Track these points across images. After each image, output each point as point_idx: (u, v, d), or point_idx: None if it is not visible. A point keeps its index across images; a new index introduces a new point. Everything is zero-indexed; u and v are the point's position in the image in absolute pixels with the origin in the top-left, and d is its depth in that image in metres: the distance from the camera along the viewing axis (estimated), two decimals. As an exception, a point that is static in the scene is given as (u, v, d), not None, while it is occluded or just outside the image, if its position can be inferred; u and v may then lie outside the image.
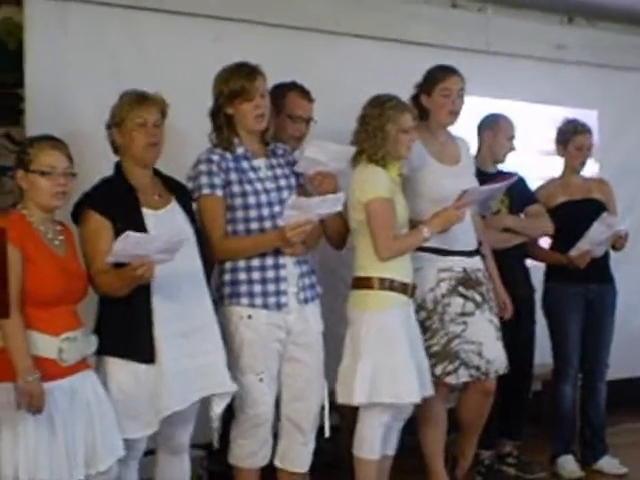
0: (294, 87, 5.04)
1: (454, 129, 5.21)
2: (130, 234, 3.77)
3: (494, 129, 5.70)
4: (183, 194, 4.35)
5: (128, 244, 3.76)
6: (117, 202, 4.09)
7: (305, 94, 5.07)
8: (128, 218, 4.04)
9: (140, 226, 4.04)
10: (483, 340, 4.92)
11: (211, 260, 4.41)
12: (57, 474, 3.75)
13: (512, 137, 5.74)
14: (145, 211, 4.13)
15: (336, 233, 4.81)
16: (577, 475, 5.82)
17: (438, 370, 4.88)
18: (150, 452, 4.36)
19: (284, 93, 4.94)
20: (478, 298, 4.98)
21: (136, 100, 4.18)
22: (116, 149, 4.26)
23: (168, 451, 4.33)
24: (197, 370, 4.14)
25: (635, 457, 6.11)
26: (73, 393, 3.85)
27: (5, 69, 5.26)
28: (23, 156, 3.91)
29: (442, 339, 4.89)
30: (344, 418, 5.45)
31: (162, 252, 3.87)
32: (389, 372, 4.56)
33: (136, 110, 4.16)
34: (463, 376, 4.92)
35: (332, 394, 4.72)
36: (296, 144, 4.93)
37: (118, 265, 3.88)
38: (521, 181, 5.82)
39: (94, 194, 4.14)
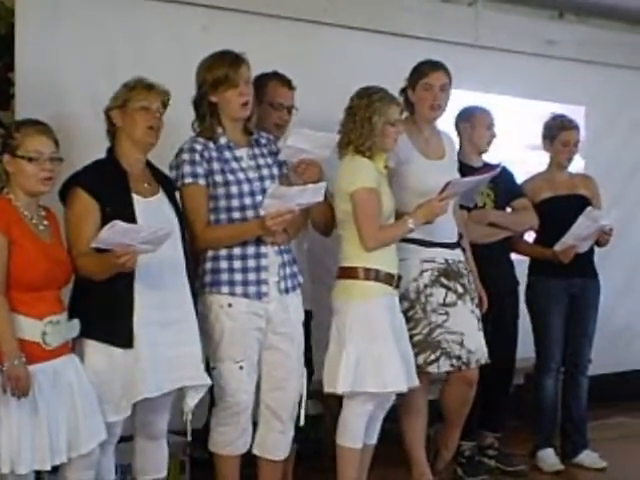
0: (275, 76, 5.03)
1: (441, 123, 5.25)
2: (117, 223, 3.78)
3: (471, 121, 5.69)
4: (170, 187, 4.36)
5: (115, 233, 3.77)
6: (107, 185, 4.10)
7: (286, 82, 5.05)
8: (118, 202, 4.06)
9: (129, 212, 4.06)
10: (465, 330, 4.97)
11: (193, 249, 4.44)
12: (39, 457, 3.77)
13: (490, 125, 5.72)
14: (135, 197, 4.14)
15: (322, 222, 4.85)
16: (557, 468, 5.87)
17: (420, 360, 4.91)
18: (127, 438, 4.37)
19: (265, 82, 4.91)
20: (460, 289, 5.02)
21: (142, 85, 4.20)
22: (112, 133, 4.25)
23: (146, 437, 4.35)
24: (172, 360, 4.14)
25: (615, 452, 6.15)
26: (56, 376, 3.87)
27: (-5, 53, 5.28)
28: (10, 141, 3.91)
29: (424, 329, 4.93)
30: (327, 407, 5.49)
31: (147, 243, 3.88)
32: (373, 361, 4.59)
33: (141, 94, 4.18)
34: (444, 366, 4.97)
35: (318, 383, 4.76)
36: (279, 132, 4.93)
37: (101, 249, 3.89)
38: (508, 175, 5.85)
39: (85, 174, 4.15)
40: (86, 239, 3.94)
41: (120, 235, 3.79)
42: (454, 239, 5.11)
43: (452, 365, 4.96)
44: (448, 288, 4.98)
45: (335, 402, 4.97)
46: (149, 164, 4.33)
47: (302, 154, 4.46)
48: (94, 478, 4.07)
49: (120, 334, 4.03)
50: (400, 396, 4.89)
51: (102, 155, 4.27)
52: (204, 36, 5.52)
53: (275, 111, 4.99)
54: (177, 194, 4.39)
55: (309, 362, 4.77)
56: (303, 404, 4.62)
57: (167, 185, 4.35)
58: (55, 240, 4.00)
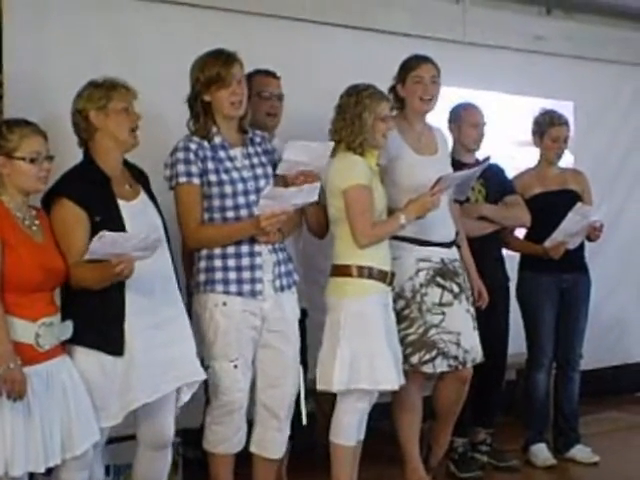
0: (257, 71, 5.06)
1: (432, 120, 5.25)
2: (106, 234, 3.76)
3: (457, 121, 5.70)
4: (146, 182, 4.34)
5: (104, 243, 3.76)
6: (93, 193, 4.06)
7: (269, 73, 5.11)
8: (105, 210, 4.04)
9: (117, 219, 4.05)
10: (461, 330, 4.98)
11: (186, 249, 4.44)
12: (33, 459, 3.76)
13: (477, 124, 5.70)
14: (120, 203, 4.12)
15: (316, 223, 4.86)
16: (550, 463, 5.87)
17: (415, 359, 4.92)
18: (119, 439, 4.39)
19: (250, 78, 4.88)
20: (456, 289, 5.03)
21: (119, 85, 4.18)
22: (88, 136, 4.18)
23: (151, 448, 4.28)
24: (168, 361, 4.13)
25: (607, 446, 6.18)
26: (49, 378, 3.86)
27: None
28: (4, 143, 3.87)
29: (420, 328, 4.93)
30: (319, 405, 5.49)
31: (140, 250, 3.86)
32: (367, 359, 4.61)
33: (122, 94, 4.16)
34: (441, 366, 4.97)
35: (313, 381, 4.76)
36: (272, 122, 5.01)
37: (95, 259, 3.87)
38: (499, 171, 5.87)
39: (68, 183, 4.11)
40: (78, 249, 3.91)
41: (110, 245, 3.78)
42: (451, 238, 5.10)
43: (449, 365, 4.97)
44: (444, 288, 4.99)
45: (327, 400, 4.97)
46: (124, 162, 4.28)
47: (300, 166, 4.45)
48: (88, 479, 4.06)
49: (111, 341, 4.01)
50: (393, 393, 4.90)
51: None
52: (192, 36, 5.49)
53: (265, 101, 5.03)
54: (154, 189, 4.35)
55: (304, 360, 4.78)
56: (303, 403, 4.62)
57: (144, 181, 4.32)
58: (47, 241, 3.98)
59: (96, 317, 4.03)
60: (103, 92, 4.16)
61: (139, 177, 4.31)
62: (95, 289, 3.96)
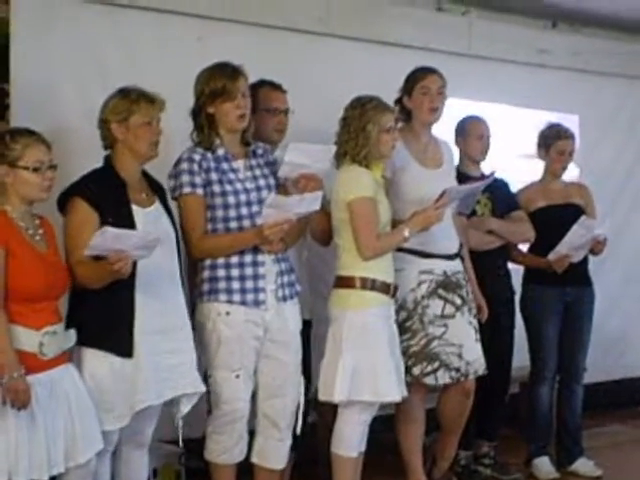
0: (263, 83, 5.04)
1: (438, 132, 5.26)
2: (108, 229, 3.80)
3: (462, 134, 5.72)
4: (163, 195, 4.39)
5: (106, 239, 3.79)
6: (107, 195, 4.11)
7: (276, 87, 5.08)
8: (118, 213, 4.08)
9: (130, 222, 4.09)
10: (463, 342, 4.98)
11: (190, 259, 4.46)
12: (37, 467, 3.77)
13: (482, 136, 5.72)
14: (134, 208, 4.16)
15: (321, 230, 4.88)
16: (552, 477, 5.87)
17: (416, 370, 4.92)
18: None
19: (255, 91, 4.86)
20: (458, 301, 5.02)
21: (145, 99, 4.21)
22: (110, 143, 4.25)
23: (133, 446, 4.34)
24: (172, 368, 4.18)
25: (610, 459, 6.16)
26: (53, 386, 3.87)
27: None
28: (7, 152, 3.89)
29: (422, 340, 4.93)
30: (321, 415, 5.49)
31: (139, 249, 3.89)
32: (369, 371, 4.60)
33: (144, 109, 4.19)
34: (443, 378, 4.96)
35: (315, 392, 4.75)
36: (279, 137, 4.99)
37: (98, 257, 3.90)
38: (504, 186, 5.88)
39: (84, 184, 4.16)
40: (84, 247, 3.91)
41: (111, 241, 3.80)
42: (454, 250, 5.10)
43: (451, 377, 4.97)
44: (446, 300, 4.98)
45: (329, 411, 4.96)
46: (144, 173, 4.35)
47: (301, 169, 4.45)
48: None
49: (121, 343, 4.05)
50: (396, 405, 4.90)
51: (97, 164, 4.28)
52: (199, 47, 5.52)
53: (272, 116, 5.01)
54: (170, 203, 4.41)
55: (307, 372, 4.78)
56: (300, 413, 4.62)
57: (161, 194, 4.38)
58: (51, 249, 4.00)
59: (106, 319, 4.06)
60: (126, 105, 4.20)
61: (156, 189, 4.36)
62: (96, 287, 3.99)
